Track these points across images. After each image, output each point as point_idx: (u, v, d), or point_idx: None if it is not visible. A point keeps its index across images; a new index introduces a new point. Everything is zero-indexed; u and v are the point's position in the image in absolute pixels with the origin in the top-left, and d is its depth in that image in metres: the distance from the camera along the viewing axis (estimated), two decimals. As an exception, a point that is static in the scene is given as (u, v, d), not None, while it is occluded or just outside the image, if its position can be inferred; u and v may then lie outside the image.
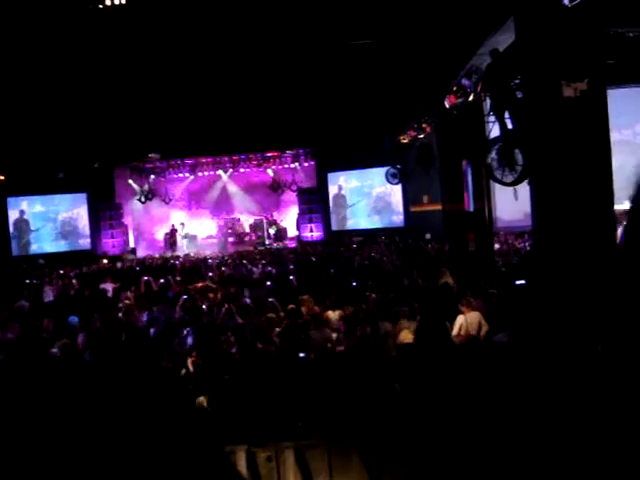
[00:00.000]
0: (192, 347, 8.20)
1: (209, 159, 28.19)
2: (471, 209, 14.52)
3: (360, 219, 27.66)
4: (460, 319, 8.73)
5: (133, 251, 27.72)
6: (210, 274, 16.06)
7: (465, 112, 13.23)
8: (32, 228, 25.67)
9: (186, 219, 29.63)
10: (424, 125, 17.82)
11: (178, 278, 15.51)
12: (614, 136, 9.39)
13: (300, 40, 13.07)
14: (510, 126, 9.67)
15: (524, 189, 10.67)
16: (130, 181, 27.87)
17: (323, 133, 22.93)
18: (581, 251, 7.37)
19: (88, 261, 22.82)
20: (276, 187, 29.67)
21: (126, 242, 27.73)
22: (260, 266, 17.45)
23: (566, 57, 7.50)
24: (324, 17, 12.05)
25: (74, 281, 16.18)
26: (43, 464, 4.37)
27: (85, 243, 26.71)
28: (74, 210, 26.56)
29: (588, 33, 7.56)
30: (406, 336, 8.53)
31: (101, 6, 10.09)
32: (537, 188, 8.70)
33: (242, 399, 5.71)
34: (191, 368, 7.36)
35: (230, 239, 28.44)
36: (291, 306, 9.82)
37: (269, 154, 27.98)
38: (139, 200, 27.90)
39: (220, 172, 29.42)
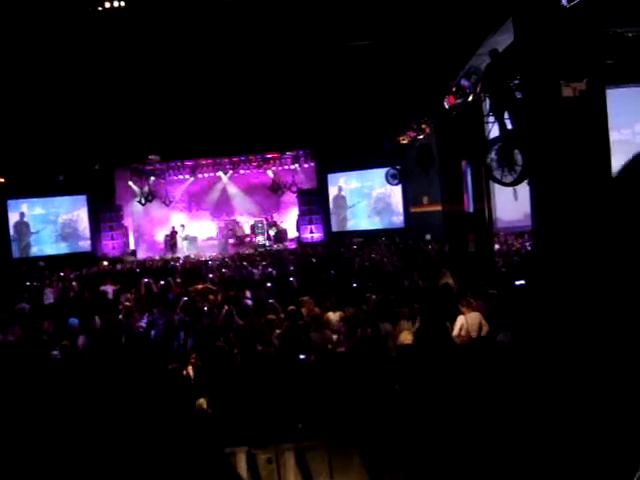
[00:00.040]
0: (192, 349, 8.20)
1: (209, 161, 28.16)
2: (471, 210, 14.52)
3: (360, 220, 27.64)
4: (460, 320, 8.72)
5: (133, 253, 27.69)
6: (210, 276, 16.05)
7: (464, 113, 13.23)
8: (32, 230, 25.65)
9: (186, 221, 29.62)
10: (423, 126, 17.82)
11: (178, 280, 15.52)
12: (613, 136, 9.39)
13: (299, 41, 13.08)
14: (509, 126, 9.67)
15: (524, 189, 10.65)
16: (130, 183, 27.83)
17: (323, 134, 22.94)
18: (581, 251, 7.36)
19: (88, 263, 22.83)
20: (276, 188, 29.66)
21: (126, 244, 27.72)
22: (260, 267, 17.44)
23: (565, 57, 7.50)
24: (323, 19, 12.06)
25: (74, 283, 16.17)
26: (44, 466, 4.37)
27: (85, 245, 26.70)
28: (74, 212, 26.56)
29: (587, 33, 7.56)
30: (406, 337, 8.52)
31: (100, 8, 10.10)
32: (537, 188, 8.70)
33: (242, 401, 5.70)
34: (191, 370, 7.36)
35: (230, 241, 28.43)
36: (291, 307, 9.81)
37: (269, 155, 27.97)
38: (139, 202, 27.89)
39: (220, 174, 29.42)
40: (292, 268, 16.66)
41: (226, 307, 10.23)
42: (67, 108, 17.08)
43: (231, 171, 29.19)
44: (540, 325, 7.04)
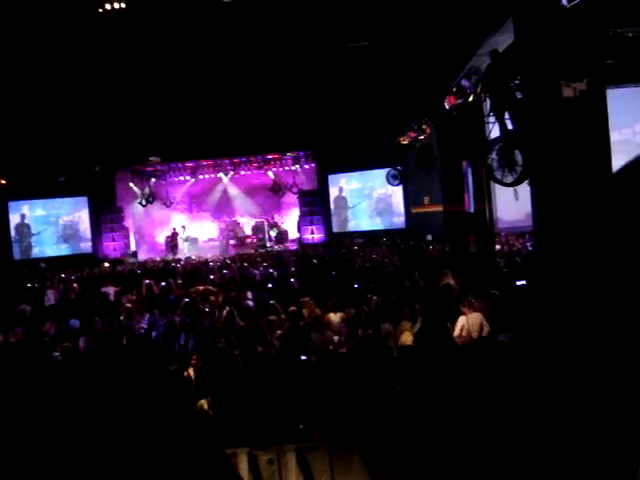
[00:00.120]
0: (193, 350, 8.19)
1: (210, 162, 28.15)
2: (472, 210, 14.52)
3: (361, 221, 27.63)
4: (462, 320, 8.73)
5: (134, 254, 27.66)
6: (211, 277, 16.05)
7: (465, 113, 13.23)
8: (33, 232, 25.68)
9: (187, 222, 29.64)
10: (424, 126, 17.81)
11: (179, 281, 15.53)
12: (614, 136, 9.39)
13: (299, 43, 13.08)
14: (510, 126, 9.67)
15: (525, 189, 10.65)
16: (131, 184, 27.81)
17: (323, 135, 22.94)
18: (582, 251, 7.36)
19: (89, 264, 22.83)
20: (277, 189, 29.69)
21: (127, 245, 27.73)
22: (261, 268, 17.44)
23: (565, 57, 7.51)
24: (323, 20, 12.06)
25: (75, 285, 16.17)
26: (45, 468, 4.36)
27: (86, 246, 26.71)
28: (75, 214, 26.59)
29: (587, 33, 7.56)
30: (407, 338, 8.53)
31: (101, 10, 10.11)
32: (537, 188, 8.70)
33: (244, 402, 5.70)
34: (192, 371, 7.37)
35: (231, 242, 28.43)
36: (292, 308, 9.81)
37: (270, 156, 27.98)
38: (140, 203, 27.89)
39: (221, 175, 29.43)
40: (293, 269, 16.65)
41: (227, 308, 10.23)
42: (68, 110, 17.09)
43: (232, 172, 29.20)
44: (541, 325, 7.05)
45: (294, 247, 27.11)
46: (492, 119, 10.46)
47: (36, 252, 25.64)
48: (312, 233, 27.65)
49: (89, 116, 18.01)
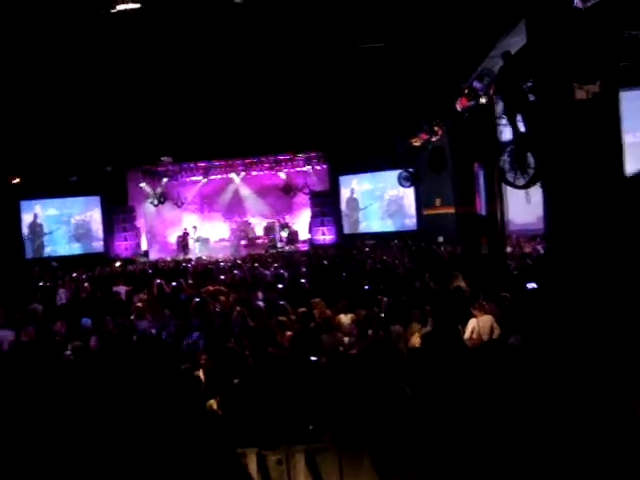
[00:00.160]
0: (203, 350, 8.21)
1: (221, 162, 28.25)
2: (483, 212, 14.49)
3: (372, 222, 27.59)
4: (472, 322, 8.71)
5: (146, 254, 27.77)
6: (222, 277, 16.08)
7: (477, 115, 13.20)
8: (46, 231, 25.84)
9: (198, 222, 29.75)
10: (436, 128, 17.75)
11: (190, 281, 15.57)
12: (627, 138, 9.31)
13: (311, 43, 13.08)
14: (522, 129, 9.63)
15: (536, 192, 10.60)
16: (143, 184, 27.92)
17: (335, 136, 22.92)
18: (594, 254, 7.32)
19: (101, 264, 22.93)
20: (288, 190, 29.74)
21: (139, 245, 27.86)
22: (272, 269, 17.45)
23: (578, 59, 7.46)
24: (335, 20, 12.05)
25: (86, 284, 16.25)
26: (56, 465, 4.39)
27: (98, 246, 26.86)
28: (87, 213, 26.75)
29: (600, 35, 7.51)
30: (417, 339, 8.52)
31: (113, 11, 10.14)
32: (549, 191, 8.64)
33: (253, 402, 5.71)
34: (202, 371, 7.38)
35: (242, 242, 28.49)
36: (303, 309, 9.81)
37: (281, 157, 28.04)
38: (152, 203, 28.03)
39: (232, 175, 29.53)
40: (304, 270, 16.65)
41: (238, 308, 10.24)
42: (80, 110, 17.17)
43: (243, 173, 29.29)
44: (551, 328, 7.03)
45: (305, 248, 27.13)
46: (504, 121, 10.42)
47: (48, 251, 25.79)
48: (323, 234, 27.67)
49: (101, 116, 18.08)
